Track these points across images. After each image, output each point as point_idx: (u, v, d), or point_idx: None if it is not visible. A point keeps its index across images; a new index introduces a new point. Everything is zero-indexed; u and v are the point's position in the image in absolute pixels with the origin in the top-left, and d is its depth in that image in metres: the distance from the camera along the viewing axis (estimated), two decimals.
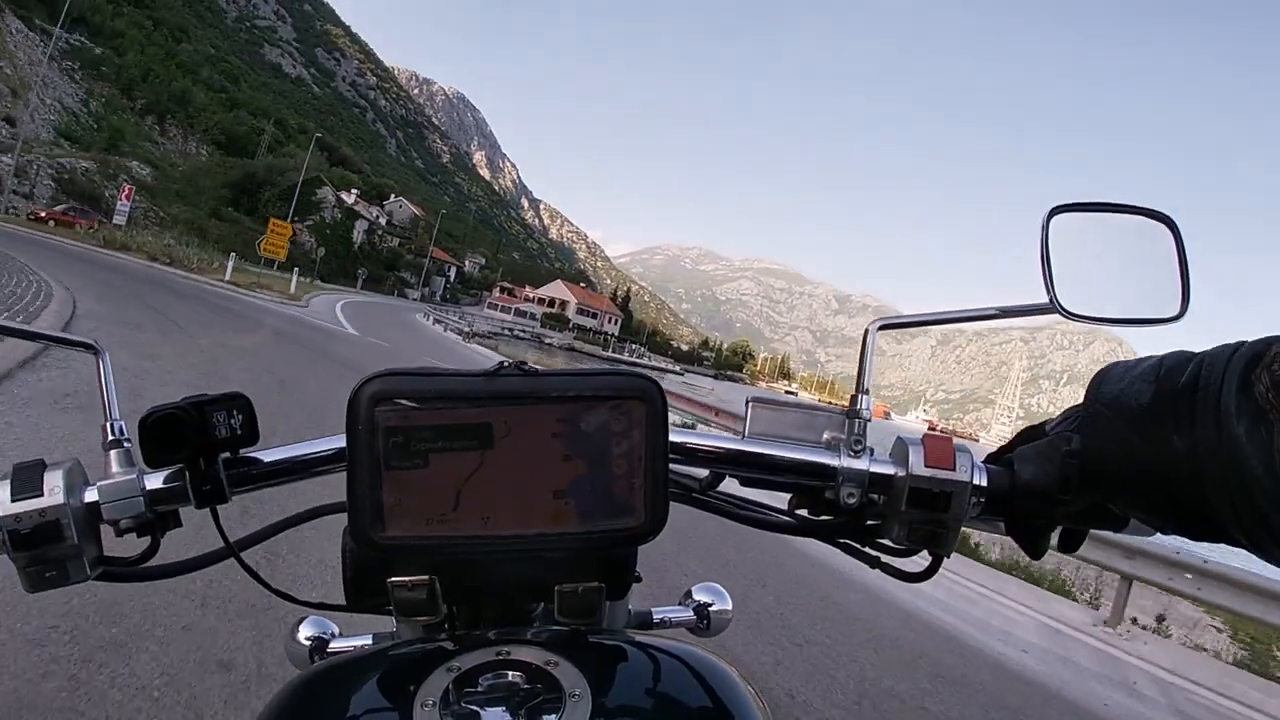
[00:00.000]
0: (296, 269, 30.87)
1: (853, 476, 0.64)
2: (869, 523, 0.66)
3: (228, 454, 0.62)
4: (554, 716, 0.50)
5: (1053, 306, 0.65)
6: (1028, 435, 0.64)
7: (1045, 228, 0.67)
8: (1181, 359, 0.52)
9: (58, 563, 0.57)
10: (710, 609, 1.01)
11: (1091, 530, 0.64)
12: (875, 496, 0.64)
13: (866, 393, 0.67)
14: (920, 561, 0.67)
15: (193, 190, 63.73)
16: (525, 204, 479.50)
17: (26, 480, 0.57)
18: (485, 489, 0.54)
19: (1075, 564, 8.26)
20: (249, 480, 0.64)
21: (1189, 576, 6.51)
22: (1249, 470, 0.46)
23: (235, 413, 0.61)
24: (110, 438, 0.63)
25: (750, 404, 0.69)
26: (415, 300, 77.87)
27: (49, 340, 0.70)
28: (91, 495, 0.59)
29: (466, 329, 30.52)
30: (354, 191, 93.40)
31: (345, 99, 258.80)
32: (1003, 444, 0.66)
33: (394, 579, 0.58)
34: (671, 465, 0.59)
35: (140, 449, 0.58)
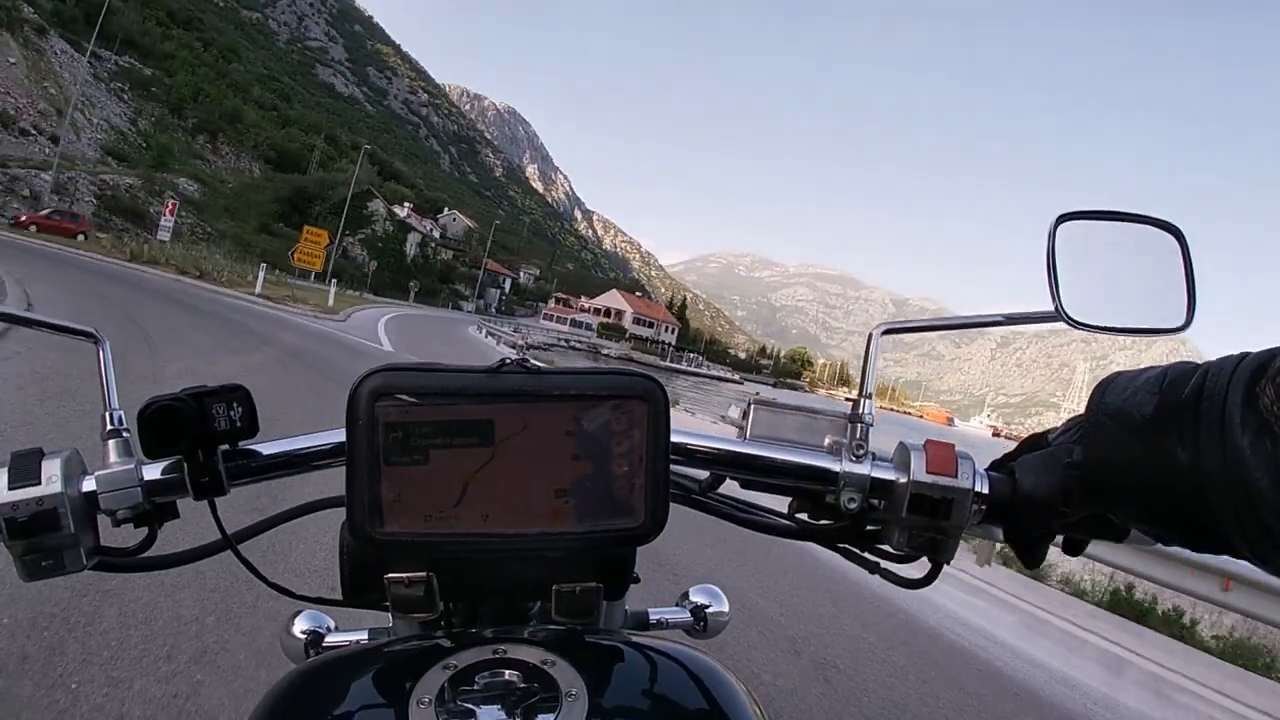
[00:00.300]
0: (335, 280, 27.67)
1: (854, 481, 0.63)
2: (869, 528, 0.66)
3: (226, 446, 0.62)
4: (550, 716, 0.50)
5: (1058, 315, 0.65)
6: (1030, 444, 0.64)
7: (1052, 235, 0.66)
8: (1186, 370, 0.51)
9: (54, 552, 0.57)
10: (707, 611, 1.01)
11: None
12: (876, 502, 0.64)
13: (869, 397, 0.67)
14: (920, 567, 0.66)
15: (243, 206, 63.21)
16: (578, 215, 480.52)
17: (24, 468, 0.56)
18: (485, 487, 0.53)
19: None
20: (248, 473, 0.63)
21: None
22: (1253, 482, 0.46)
23: (235, 405, 0.60)
24: (109, 427, 0.62)
25: (752, 406, 0.69)
26: (469, 312, 76.03)
27: (49, 328, 0.69)
28: (89, 485, 0.59)
29: (521, 342, 27.56)
30: (407, 205, 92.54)
31: (398, 116, 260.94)
32: (1006, 452, 0.65)
33: (391, 575, 0.57)
34: (672, 466, 0.59)
35: (139, 440, 0.57)
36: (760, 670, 3.57)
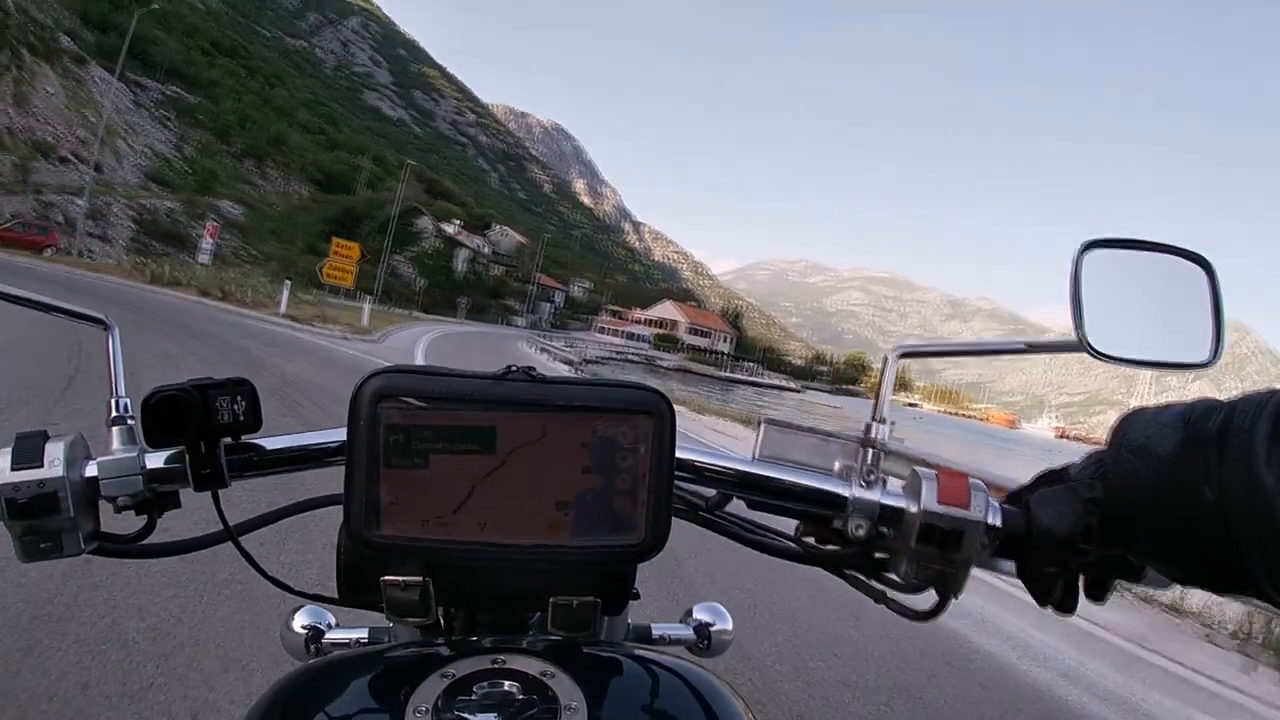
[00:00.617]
0: (370, 297, 24.92)
1: (863, 508, 0.62)
2: (877, 556, 0.65)
3: (229, 439, 0.62)
4: None
5: (1081, 345, 0.64)
6: (1048, 478, 0.62)
7: (1077, 263, 0.65)
8: (1211, 406, 0.50)
9: (53, 534, 0.57)
10: (711, 629, 1.00)
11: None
12: (885, 530, 0.63)
13: (883, 422, 0.66)
14: (928, 599, 0.65)
15: (289, 227, 62.59)
16: (628, 228, 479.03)
17: (27, 450, 0.56)
18: (485, 494, 0.53)
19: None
20: (249, 466, 0.64)
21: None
22: None
23: (239, 398, 0.60)
24: (114, 414, 0.63)
25: (763, 425, 0.68)
26: (522, 327, 73.83)
27: (59, 312, 0.69)
28: (91, 470, 0.59)
29: (576, 357, 24.58)
30: (456, 222, 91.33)
31: (446, 137, 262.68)
32: (1021, 485, 0.64)
33: (387, 578, 0.57)
34: (677, 483, 0.58)
35: (142, 428, 0.57)
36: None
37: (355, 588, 0.65)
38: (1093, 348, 0.63)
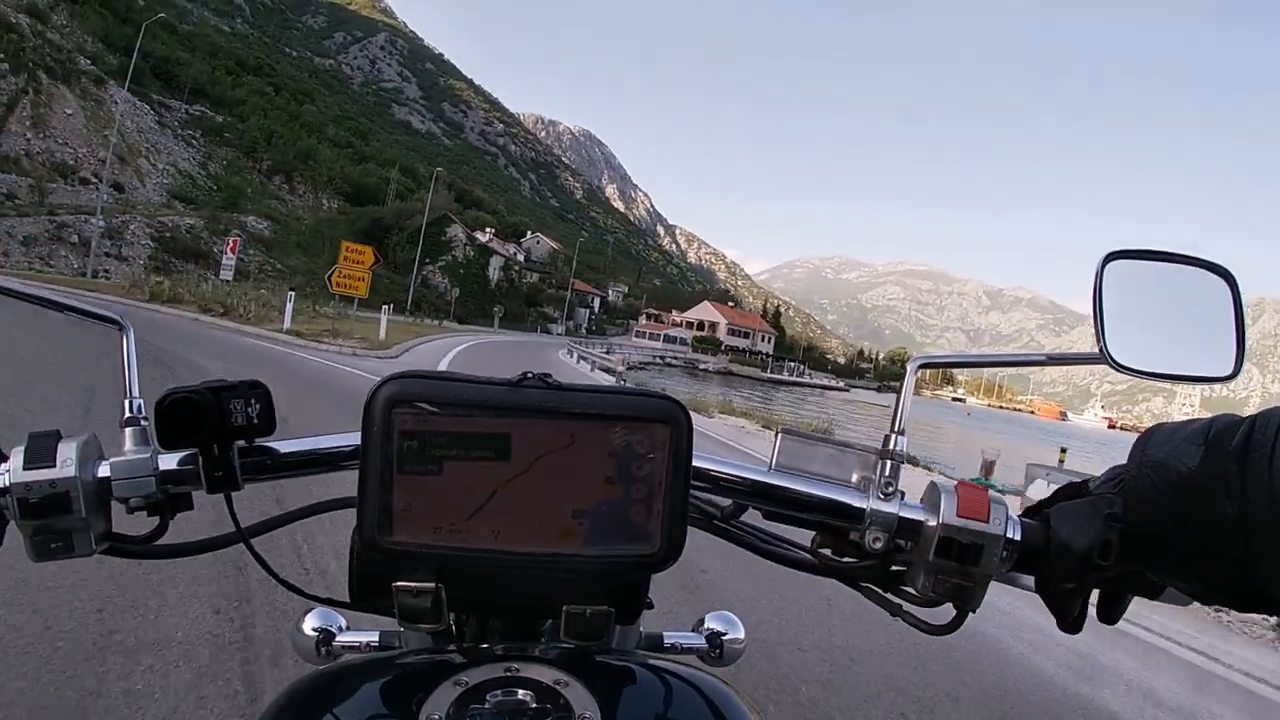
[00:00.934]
0: (387, 307, 21.84)
1: (880, 520, 0.62)
2: (894, 569, 0.64)
3: (243, 442, 0.61)
4: None
5: (1102, 357, 0.63)
6: (1068, 492, 0.61)
7: (1099, 274, 0.65)
8: (1232, 422, 0.50)
9: (64, 534, 0.57)
10: (723, 638, 0.99)
11: None
12: (902, 542, 0.62)
13: (902, 433, 0.65)
14: (945, 613, 0.64)
15: (316, 241, 60.88)
16: (661, 231, 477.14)
17: (40, 450, 0.56)
18: (498, 502, 0.53)
19: None
20: (262, 470, 0.64)
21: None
22: None
23: (254, 401, 0.60)
24: (127, 415, 0.62)
25: (779, 435, 0.67)
26: (559, 335, 71.36)
27: (75, 312, 0.69)
28: (104, 470, 0.59)
29: (622, 367, 21.72)
30: (489, 230, 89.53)
31: (476, 148, 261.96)
32: (1042, 498, 0.63)
33: (399, 583, 0.56)
34: (693, 492, 0.58)
35: (156, 430, 0.57)
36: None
37: (367, 592, 0.65)
38: (1114, 359, 0.63)
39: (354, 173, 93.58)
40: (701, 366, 79.39)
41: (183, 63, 79.70)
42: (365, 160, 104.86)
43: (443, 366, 16.72)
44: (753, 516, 0.70)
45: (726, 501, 0.70)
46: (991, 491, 0.61)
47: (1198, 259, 0.66)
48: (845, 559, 0.66)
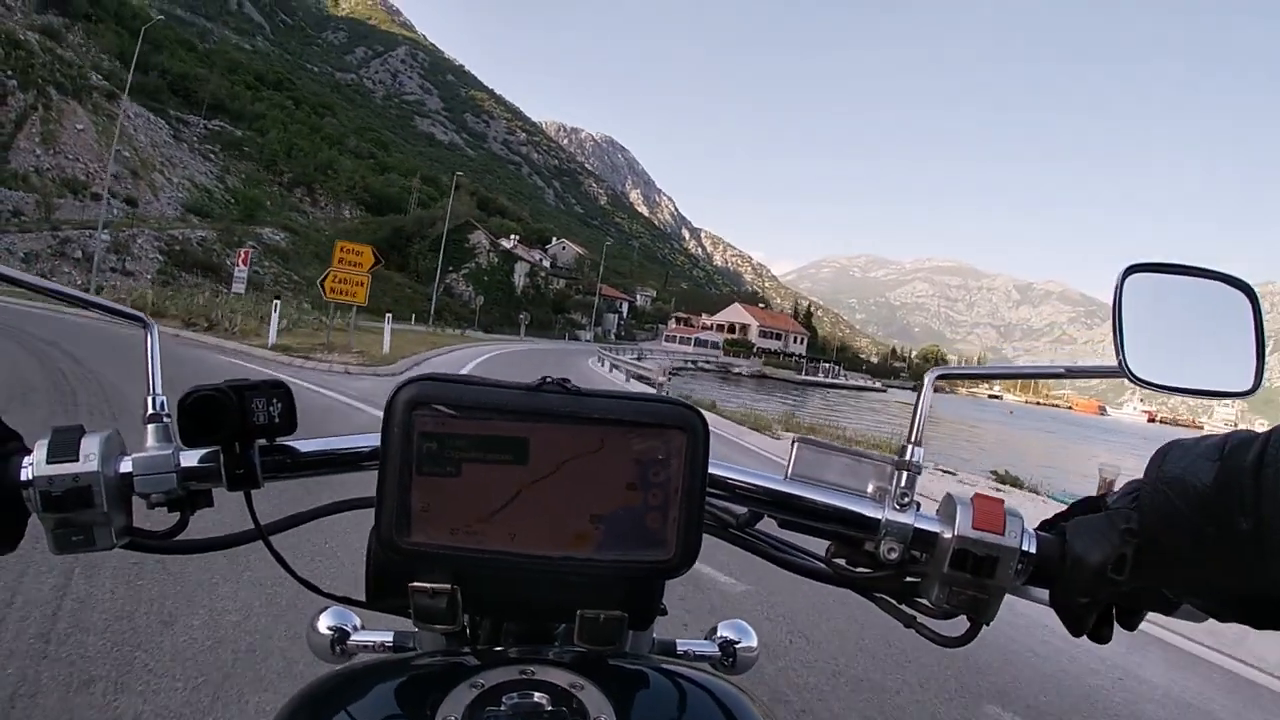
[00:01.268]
0: (389, 315, 19.25)
1: (896, 531, 0.62)
2: (908, 580, 0.65)
3: (264, 440, 0.62)
4: None
5: (1121, 370, 0.63)
6: (1085, 506, 0.61)
7: (1119, 287, 0.65)
8: (1248, 437, 0.50)
9: (85, 528, 0.57)
10: (736, 646, 0.99)
11: None
12: (917, 554, 0.63)
13: (919, 444, 0.65)
14: (959, 625, 0.64)
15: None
16: (686, 234, 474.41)
17: (64, 444, 0.57)
18: (516, 505, 0.53)
19: None
20: (283, 468, 0.64)
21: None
22: None
23: (275, 401, 0.61)
24: (150, 411, 0.63)
25: (795, 444, 0.67)
26: (588, 341, 68.86)
27: (101, 309, 0.71)
28: (126, 466, 0.59)
29: (663, 377, 18.85)
30: (514, 237, 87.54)
31: (499, 157, 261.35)
32: (1058, 510, 0.64)
33: (415, 584, 0.57)
34: (708, 499, 0.58)
35: (178, 427, 0.58)
36: None
37: (383, 592, 0.65)
38: (1133, 373, 0.63)
39: (376, 183, 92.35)
40: (735, 370, 76.71)
41: (200, 79, 78.95)
42: (387, 170, 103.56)
43: None
44: (767, 525, 0.71)
45: (742, 509, 0.70)
46: (1007, 504, 0.60)
47: (1218, 273, 0.66)
48: (859, 569, 0.66)
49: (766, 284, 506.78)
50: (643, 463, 0.54)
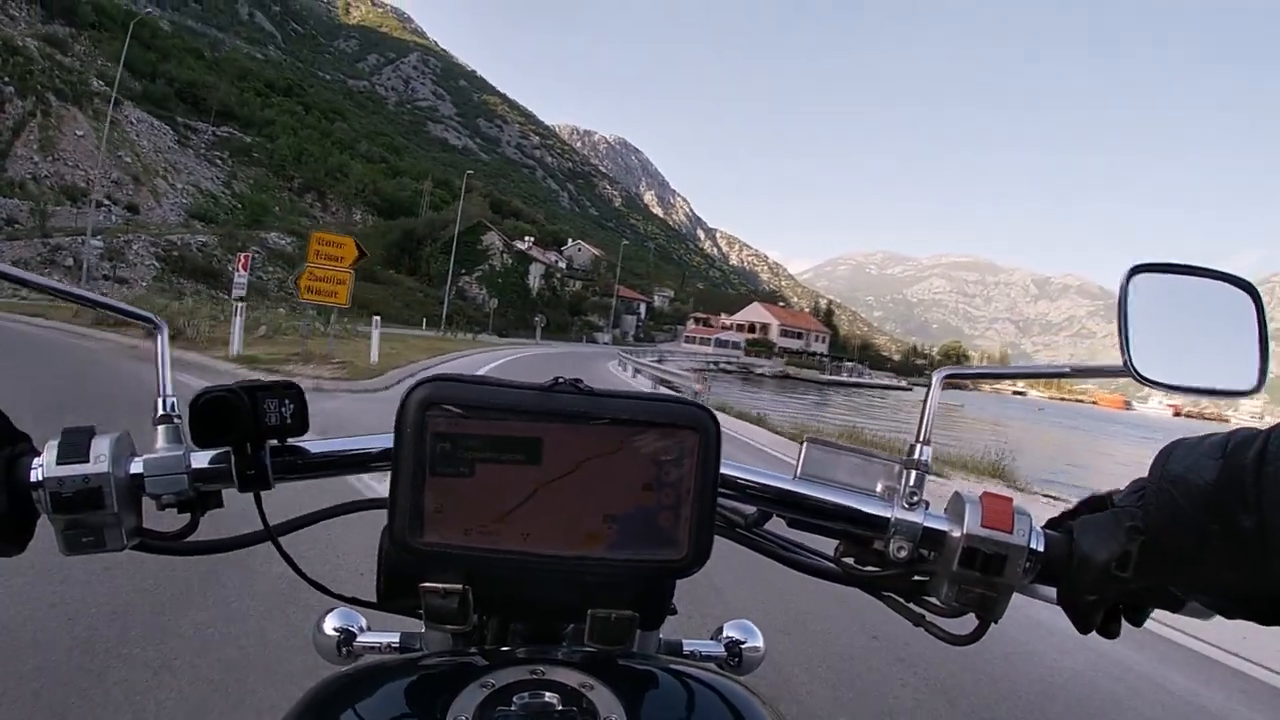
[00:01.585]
0: (377, 318, 16.32)
1: (905, 530, 0.62)
2: (917, 579, 0.65)
3: (275, 441, 0.62)
4: None
5: (1127, 370, 0.64)
6: (1092, 504, 0.62)
7: (1124, 287, 0.66)
8: (1250, 435, 0.50)
9: (95, 529, 0.57)
10: (742, 647, 1.00)
11: None
12: (926, 552, 0.63)
13: (927, 443, 0.66)
14: (967, 623, 0.64)
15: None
16: (701, 235, 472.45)
17: (74, 445, 0.57)
18: (529, 505, 0.53)
19: None
20: (294, 469, 0.64)
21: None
22: None
23: (287, 402, 0.61)
24: (160, 413, 0.63)
25: (805, 444, 0.67)
26: (606, 344, 66.86)
27: (113, 310, 0.71)
28: (136, 467, 0.59)
29: (699, 386, 16.49)
30: (528, 239, 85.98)
31: (513, 161, 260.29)
32: (1065, 509, 0.64)
33: (426, 584, 0.57)
34: (718, 499, 0.59)
35: (189, 428, 0.58)
36: None
37: (394, 592, 0.65)
38: (1138, 372, 0.64)
39: (388, 187, 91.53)
40: (757, 371, 74.45)
41: (209, 86, 78.24)
42: (399, 174, 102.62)
43: None
44: (776, 525, 0.71)
45: (750, 509, 0.70)
46: (1015, 502, 0.61)
47: (1221, 273, 0.67)
48: (868, 568, 0.66)
49: (783, 283, 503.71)
50: (656, 462, 0.54)
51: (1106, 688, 3.49)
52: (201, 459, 0.61)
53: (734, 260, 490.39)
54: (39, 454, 0.58)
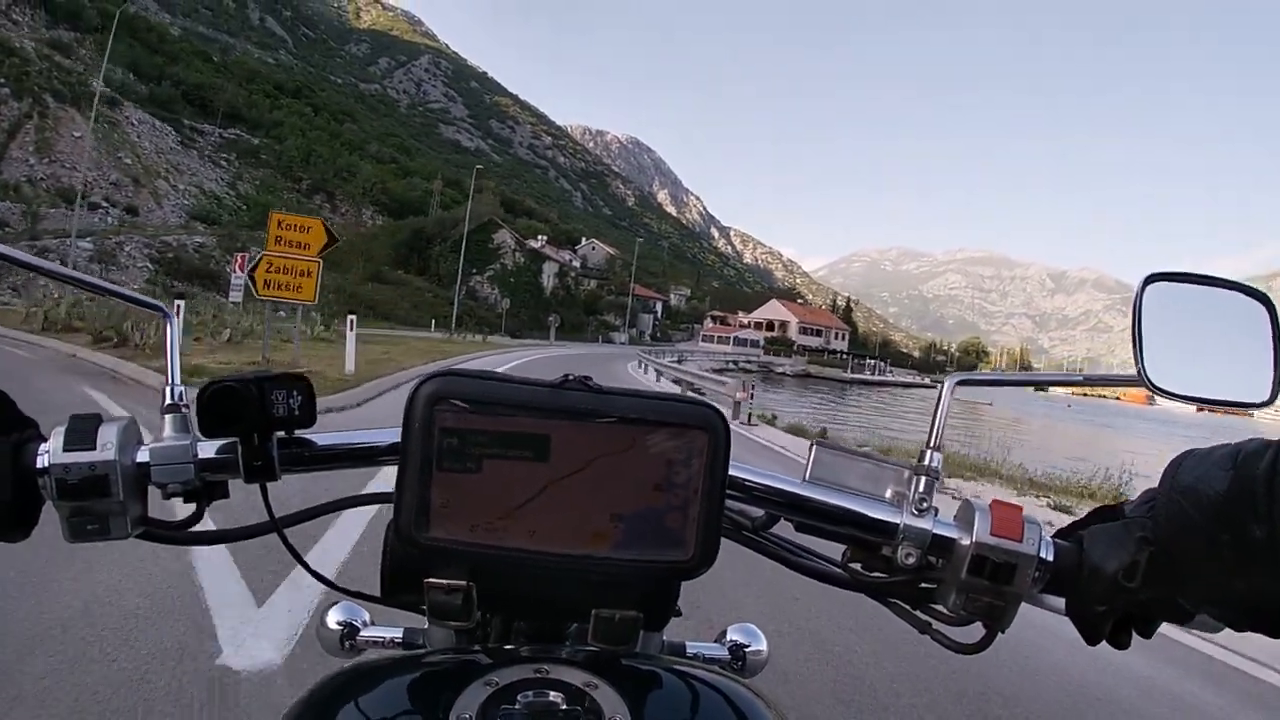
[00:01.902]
0: (353, 318, 13.65)
1: (913, 536, 0.62)
2: (924, 586, 0.64)
3: (283, 433, 0.62)
4: None
5: (1140, 379, 0.64)
6: (1102, 514, 0.62)
7: (1139, 296, 0.65)
8: (1260, 446, 0.50)
9: (101, 517, 0.57)
10: (746, 650, 0.99)
11: None
12: (934, 559, 0.63)
13: (938, 449, 0.65)
14: (974, 632, 0.64)
15: (350, 256, 56.25)
16: (715, 233, 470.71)
17: (81, 432, 0.56)
18: (536, 502, 0.53)
19: None
20: (301, 461, 0.64)
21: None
22: None
23: (295, 393, 0.61)
24: (169, 401, 0.62)
25: (814, 448, 0.67)
26: (623, 344, 64.90)
27: (122, 298, 0.71)
28: (143, 456, 0.59)
29: (743, 394, 14.32)
30: (541, 237, 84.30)
31: (525, 162, 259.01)
32: (1075, 519, 0.64)
33: (431, 580, 0.57)
34: (726, 501, 0.59)
35: (197, 417, 0.58)
36: None
37: (398, 587, 0.65)
38: (1152, 382, 0.63)
39: (398, 187, 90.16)
40: (778, 370, 72.29)
41: (216, 88, 77.25)
42: (410, 175, 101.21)
43: None
44: (784, 528, 0.70)
45: (758, 512, 0.70)
46: (1025, 511, 0.61)
47: (1236, 284, 0.67)
48: (875, 574, 0.66)
49: (798, 280, 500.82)
50: (663, 462, 0.54)
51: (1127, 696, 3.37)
52: (208, 449, 0.61)
53: (748, 258, 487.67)
54: (45, 440, 0.57)
